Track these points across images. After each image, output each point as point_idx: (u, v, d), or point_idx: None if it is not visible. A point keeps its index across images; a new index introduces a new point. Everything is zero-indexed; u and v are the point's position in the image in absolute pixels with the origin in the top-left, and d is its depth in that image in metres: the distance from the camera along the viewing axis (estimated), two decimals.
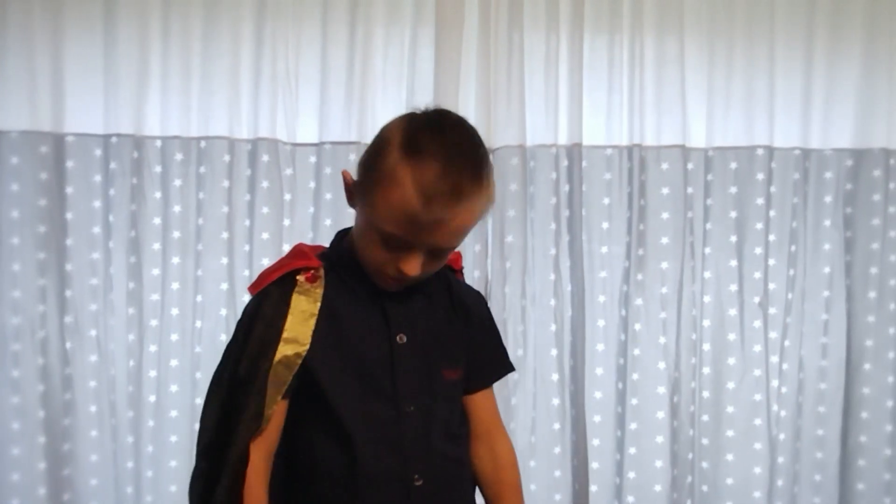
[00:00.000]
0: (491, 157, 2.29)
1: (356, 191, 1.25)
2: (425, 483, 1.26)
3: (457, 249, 1.32)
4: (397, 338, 1.28)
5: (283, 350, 1.23)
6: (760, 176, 2.40)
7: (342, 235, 1.35)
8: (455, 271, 1.44)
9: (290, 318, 1.25)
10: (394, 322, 1.29)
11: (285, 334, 1.24)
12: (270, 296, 1.27)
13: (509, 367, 1.46)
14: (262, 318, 1.26)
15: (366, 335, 1.28)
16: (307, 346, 1.23)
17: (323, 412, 1.25)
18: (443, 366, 1.31)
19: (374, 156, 1.22)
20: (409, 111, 1.25)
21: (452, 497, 1.32)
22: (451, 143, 1.18)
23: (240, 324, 1.30)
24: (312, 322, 1.25)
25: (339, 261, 1.31)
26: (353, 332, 1.28)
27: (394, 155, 1.17)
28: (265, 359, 1.23)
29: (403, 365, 1.27)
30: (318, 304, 1.26)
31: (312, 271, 1.28)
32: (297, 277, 1.28)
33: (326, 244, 2.31)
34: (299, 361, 1.23)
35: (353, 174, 1.27)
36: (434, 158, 1.16)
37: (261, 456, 1.23)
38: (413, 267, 1.21)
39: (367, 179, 1.22)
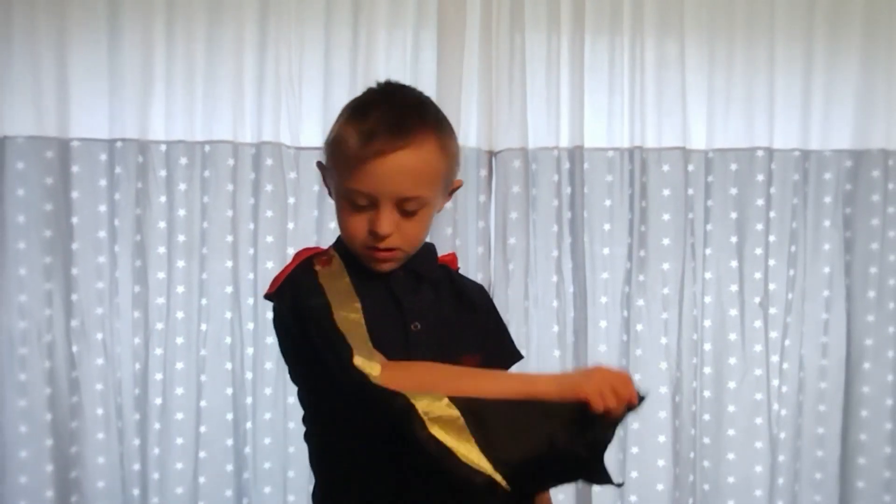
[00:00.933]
0: (493, 160, 2.35)
1: (325, 171, 1.31)
2: None
3: (452, 251, 1.33)
4: (412, 325, 1.29)
5: (339, 312, 1.20)
6: (760, 177, 2.42)
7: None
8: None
9: (328, 290, 1.23)
10: (408, 310, 1.29)
11: (334, 303, 1.21)
12: (297, 282, 1.26)
13: (517, 356, 1.46)
14: (309, 293, 1.23)
15: (381, 321, 1.26)
16: (359, 305, 1.22)
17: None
18: (461, 352, 1.30)
19: (329, 135, 1.30)
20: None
21: None
22: (393, 94, 1.28)
23: (281, 324, 1.30)
24: (347, 280, 1.25)
25: (345, 253, 1.31)
26: (373, 318, 1.24)
27: (342, 118, 1.28)
28: (330, 317, 1.20)
29: (420, 350, 1.27)
30: (345, 272, 1.26)
31: (325, 257, 1.30)
32: (316, 268, 1.27)
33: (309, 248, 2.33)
34: (359, 316, 1.21)
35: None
36: (376, 107, 1.25)
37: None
38: (384, 224, 1.22)
39: (327, 152, 1.30)
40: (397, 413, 1.11)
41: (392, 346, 1.24)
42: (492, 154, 2.37)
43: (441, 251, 1.40)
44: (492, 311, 1.46)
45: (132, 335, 2.27)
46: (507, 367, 1.43)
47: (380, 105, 1.25)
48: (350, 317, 1.20)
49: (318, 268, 1.27)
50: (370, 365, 1.15)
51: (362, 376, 1.14)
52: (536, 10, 2.36)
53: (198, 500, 2.29)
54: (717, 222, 2.44)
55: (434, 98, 2.23)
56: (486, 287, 2.34)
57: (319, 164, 1.34)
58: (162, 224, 2.28)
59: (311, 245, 2.25)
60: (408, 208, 1.24)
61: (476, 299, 1.41)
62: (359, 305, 1.22)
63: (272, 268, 2.29)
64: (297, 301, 1.24)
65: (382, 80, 1.34)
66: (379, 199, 1.22)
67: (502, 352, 1.44)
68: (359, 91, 2.22)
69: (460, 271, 1.48)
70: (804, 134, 2.44)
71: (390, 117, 1.22)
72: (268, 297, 1.30)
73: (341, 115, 1.29)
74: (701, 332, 2.43)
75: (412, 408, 1.10)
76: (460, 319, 1.35)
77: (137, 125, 2.26)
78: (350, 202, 1.24)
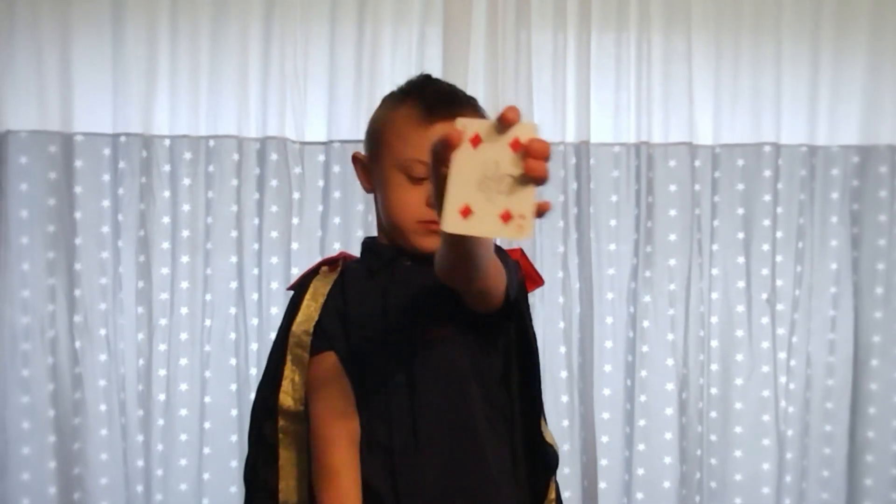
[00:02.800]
0: None
1: (369, 159, 1.33)
2: None
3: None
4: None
5: (296, 330, 1.33)
6: (767, 173, 2.41)
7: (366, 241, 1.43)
8: None
9: (304, 303, 1.34)
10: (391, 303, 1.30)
11: (298, 318, 1.33)
12: (298, 287, 1.39)
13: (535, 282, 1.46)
14: (289, 308, 1.37)
15: (363, 307, 1.30)
16: (315, 321, 1.30)
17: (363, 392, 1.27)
18: (432, 325, 1.25)
19: (372, 125, 1.34)
20: None
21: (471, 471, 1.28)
22: (431, 83, 1.34)
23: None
24: (321, 300, 1.32)
25: (363, 255, 1.39)
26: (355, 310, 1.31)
27: (387, 104, 1.32)
28: (284, 341, 1.34)
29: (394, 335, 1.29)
30: (329, 287, 1.33)
31: (333, 263, 1.38)
32: (322, 269, 1.39)
33: (334, 240, 2.34)
34: (308, 339, 1.30)
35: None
36: (426, 87, 1.32)
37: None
38: None
39: (375, 137, 1.32)
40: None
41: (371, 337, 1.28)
42: None
43: None
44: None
45: (136, 331, 2.26)
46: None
47: (429, 85, 1.32)
48: (298, 333, 1.32)
49: (324, 269, 1.38)
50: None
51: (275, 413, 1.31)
52: (543, 6, 2.36)
53: (202, 496, 2.28)
54: (724, 218, 2.43)
55: None
56: None
57: (357, 157, 1.36)
58: (166, 219, 2.27)
59: (316, 240, 2.28)
60: None
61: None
62: (316, 315, 1.30)
63: (277, 263, 2.29)
64: (287, 307, 1.38)
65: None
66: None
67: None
68: (365, 87, 2.29)
69: None
70: (811, 129, 2.43)
71: (446, 91, 1.31)
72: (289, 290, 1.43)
73: (384, 104, 1.34)
74: (708, 328, 2.42)
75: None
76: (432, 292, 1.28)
77: (141, 120, 2.25)
78: (407, 175, 1.26)
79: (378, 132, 1.32)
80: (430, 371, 1.25)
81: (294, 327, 1.33)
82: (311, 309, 1.33)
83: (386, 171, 1.29)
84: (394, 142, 1.28)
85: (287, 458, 1.32)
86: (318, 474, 1.25)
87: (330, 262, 1.39)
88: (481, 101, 2.27)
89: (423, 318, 1.24)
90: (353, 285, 1.32)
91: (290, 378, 1.32)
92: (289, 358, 1.32)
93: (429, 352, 1.24)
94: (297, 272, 2.28)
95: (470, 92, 2.26)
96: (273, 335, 2.19)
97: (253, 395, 2.24)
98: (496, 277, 1.13)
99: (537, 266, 2.31)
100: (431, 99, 1.27)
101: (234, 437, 2.28)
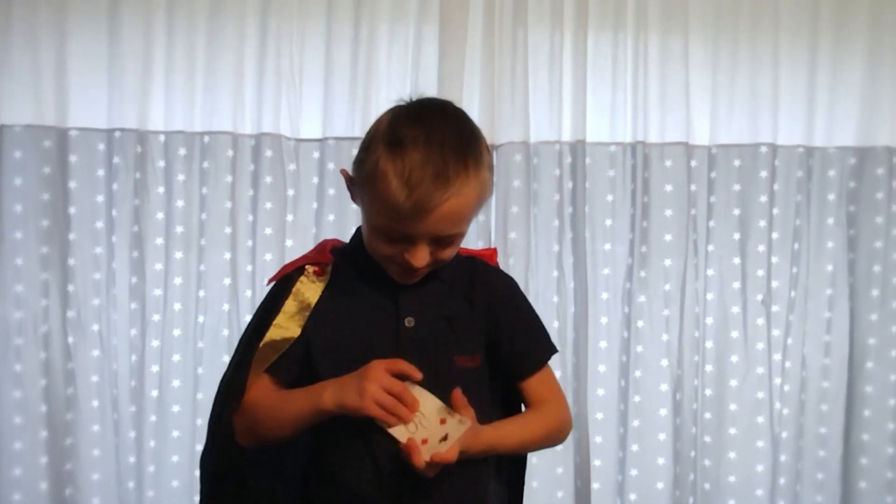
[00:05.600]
0: (494, 153, 2.33)
1: (354, 182, 1.28)
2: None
3: (493, 246, 1.33)
4: (405, 321, 1.29)
5: (272, 334, 1.29)
6: (764, 173, 2.41)
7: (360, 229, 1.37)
8: None
9: (285, 305, 1.31)
10: (403, 305, 1.29)
11: (277, 320, 1.30)
12: (278, 286, 1.35)
13: (551, 350, 1.41)
14: (264, 306, 1.34)
15: (374, 321, 1.29)
16: (297, 334, 1.28)
17: None
18: (456, 352, 1.30)
19: (362, 152, 1.24)
20: (395, 104, 1.28)
21: (452, 480, 1.27)
22: (431, 129, 1.19)
23: (254, 314, 1.38)
24: (306, 313, 1.29)
25: (353, 252, 1.34)
26: (362, 318, 1.29)
27: (378, 150, 1.20)
28: (255, 342, 1.30)
29: (406, 348, 1.27)
30: (317, 297, 1.30)
31: (321, 265, 1.33)
32: (307, 268, 1.33)
33: (328, 237, 2.32)
34: (286, 346, 1.28)
35: (350, 171, 1.30)
36: (414, 148, 1.17)
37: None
38: (419, 258, 1.22)
39: (359, 176, 1.24)
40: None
41: (382, 346, 1.26)
42: (493, 148, 2.35)
43: None
44: (519, 306, 1.39)
45: (129, 327, 2.26)
46: (538, 362, 1.38)
47: (420, 146, 1.17)
48: (276, 340, 1.29)
49: (308, 268, 1.33)
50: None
51: (228, 422, 1.29)
52: (539, 5, 2.35)
53: (193, 493, 2.27)
54: (720, 218, 2.42)
55: (435, 93, 2.29)
56: None
57: (346, 175, 1.29)
58: (160, 215, 2.26)
59: (310, 237, 2.28)
60: (444, 242, 1.24)
61: (500, 294, 1.37)
62: (298, 329, 1.29)
63: (271, 259, 2.28)
64: (262, 304, 1.35)
65: (414, 96, 1.29)
66: (416, 237, 1.21)
67: (533, 347, 1.38)
68: (360, 85, 2.28)
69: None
70: (808, 130, 2.43)
71: (432, 164, 1.16)
72: (268, 284, 1.38)
73: (376, 138, 1.22)
74: (703, 329, 2.41)
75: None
76: (464, 317, 1.32)
77: (136, 115, 2.24)
78: (385, 234, 1.23)
79: (364, 176, 1.22)
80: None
81: (271, 329, 1.30)
82: (290, 317, 1.30)
83: (366, 216, 1.26)
84: (373, 201, 1.21)
85: None
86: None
87: (316, 264, 1.35)
88: (476, 100, 2.32)
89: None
90: (344, 288, 1.31)
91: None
92: (255, 357, 1.30)
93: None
94: None
95: (466, 90, 2.32)
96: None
97: None
98: (542, 442, 1.37)
99: (532, 264, 2.34)
100: (415, 174, 1.16)
101: None
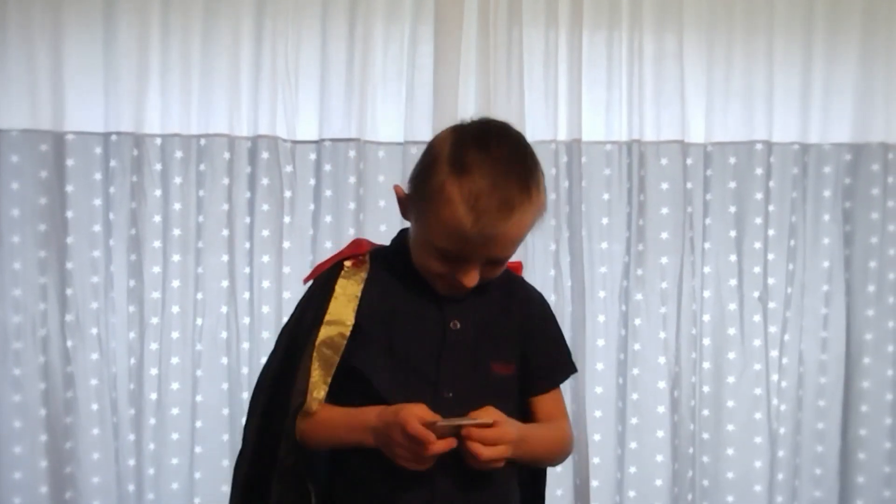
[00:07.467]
0: None
1: (409, 205, 1.29)
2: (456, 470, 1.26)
3: (517, 259, 1.36)
4: (451, 324, 1.30)
5: (327, 332, 1.30)
6: (759, 171, 2.41)
7: (404, 233, 1.38)
8: None
9: (333, 302, 1.31)
10: (448, 309, 1.31)
11: (328, 317, 1.30)
12: (318, 282, 1.37)
13: (570, 370, 1.43)
14: (310, 304, 1.35)
15: (419, 321, 1.31)
16: (350, 326, 1.29)
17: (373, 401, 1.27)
18: (492, 358, 1.32)
19: (424, 172, 1.26)
20: (456, 123, 1.30)
21: (483, 488, 1.29)
22: (496, 157, 1.21)
23: (292, 313, 1.40)
24: (355, 303, 1.31)
25: (394, 256, 1.36)
26: (406, 317, 1.31)
27: (442, 172, 1.21)
28: (309, 341, 1.30)
29: (452, 350, 1.29)
30: (361, 286, 1.32)
31: (357, 258, 1.35)
32: (345, 263, 1.36)
33: (326, 239, 2.33)
34: (343, 342, 1.29)
35: (405, 188, 1.31)
36: (481, 175, 1.19)
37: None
38: (471, 278, 1.25)
39: (419, 196, 1.26)
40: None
41: (426, 346, 1.29)
42: None
43: None
44: (546, 322, 1.42)
45: (127, 330, 2.26)
46: (556, 380, 1.41)
47: (486, 172, 1.19)
48: (333, 336, 1.29)
49: (346, 263, 1.35)
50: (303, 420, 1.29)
51: (291, 425, 1.29)
52: (534, 3, 2.35)
53: (193, 495, 2.28)
54: (716, 216, 2.43)
55: (431, 91, 2.29)
56: None
57: (400, 192, 1.31)
58: (157, 218, 2.26)
59: (308, 239, 2.28)
60: (496, 262, 1.27)
61: (532, 308, 1.40)
62: (351, 319, 1.29)
63: (268, 262, 2.28)
64: (304, 302, 1.37)
65: (476, 116, 1.31)
66: (471, 259, 1.24)
67: (552, 365, 1.41)
68: (356, 86, 2.28)
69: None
70: (803, 127, 2.43)
71: (499, 192, 1.18)
72: (306, 282, 1.41)
73: (439, 160, 1.23)
74: (700, 326, 2.42)
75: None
76: (504, 325, 1.35)
77: (133, 118, 2.24)
78: (439, 254, 1.25)
79: (424, 199, 1.24)
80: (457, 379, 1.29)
81: (324, 327, 1.30)
82: (343, 308, 1.31)
83: (419, 231, 1.28)
84: (432, 223, 1.23)
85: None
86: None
87: (353, 257, 1.36)
88: (471, 100, 2.33)
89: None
90: (386, 285, 1.33)
91: (314, 378, 1.30)
92: (315, 356, 1.29)
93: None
94: (288, 271, 2.29)
95: (461, 90, 2.33)
96: (265, 334, 2.25)
97: (245, 395, 2.27)
98: (556, 455, 1.40)
99: (529, 263, 2.34)
100: (481, 202, 1.18)
101: (225, 437, 2.28)
